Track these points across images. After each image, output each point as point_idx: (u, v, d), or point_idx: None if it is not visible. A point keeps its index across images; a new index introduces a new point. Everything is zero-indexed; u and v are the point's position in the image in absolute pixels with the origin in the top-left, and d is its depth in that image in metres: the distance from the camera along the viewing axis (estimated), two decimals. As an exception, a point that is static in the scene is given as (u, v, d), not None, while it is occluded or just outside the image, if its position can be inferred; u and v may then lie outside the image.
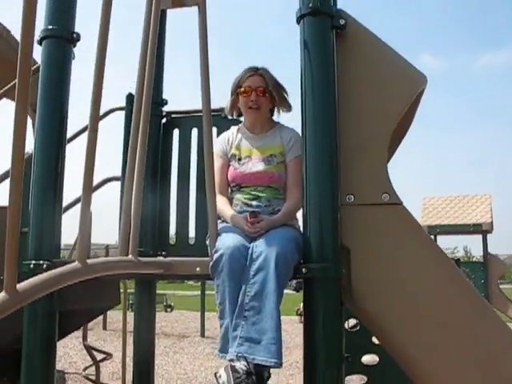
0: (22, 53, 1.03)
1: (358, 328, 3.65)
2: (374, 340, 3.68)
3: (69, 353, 9.09)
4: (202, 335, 14.04)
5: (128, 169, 1.83)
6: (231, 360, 2.01)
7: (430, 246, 2.23)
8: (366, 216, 2.13)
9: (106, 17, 1.46)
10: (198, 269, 2.11)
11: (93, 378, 5.17)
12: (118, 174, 3.32)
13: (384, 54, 2.20)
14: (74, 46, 2.42)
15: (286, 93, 2.66)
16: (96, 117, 1.42)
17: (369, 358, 3.71)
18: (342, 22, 2.16)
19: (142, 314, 3.30)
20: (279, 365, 1.98)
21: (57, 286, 1.38)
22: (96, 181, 3.64)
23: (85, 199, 1.42)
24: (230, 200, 2.58)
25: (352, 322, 3.70)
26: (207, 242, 2.37)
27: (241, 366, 1.95)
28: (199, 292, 24.10)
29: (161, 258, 2.27)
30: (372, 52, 2.21)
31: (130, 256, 1.80)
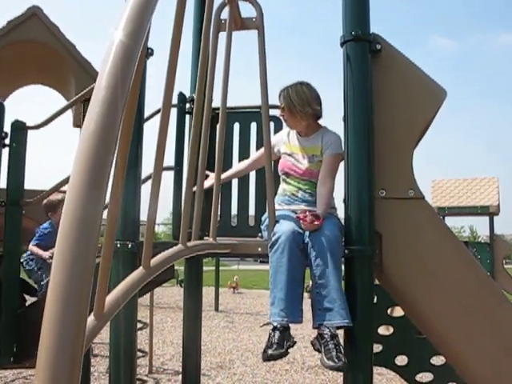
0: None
1: (376, 302, 4.06)
2: (389, 313, 4.10)
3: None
4: (216, 309, 14.37)
5: (190, 164, 2.13)
6: (317, 328, 2.45)
7: (444, 231, 2.64)
8: (395, 207, 2.55)
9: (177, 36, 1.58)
10: (259, 249, 2.56)
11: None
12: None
13: (412, 72, 2.59)
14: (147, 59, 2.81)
15: (302, 105, 2.88)
16: (166, 118, 1.59)
17: (384, 329, 4.13)
18: (378, 46, 2.56)
19: (191, 289, 3.52)
20: (350, 324, 2.40)
21: (170, 262, 1.80)
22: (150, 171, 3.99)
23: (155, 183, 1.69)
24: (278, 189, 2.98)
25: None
26: (262, 227, 2.82)
27: (324, 331, 2.40)
28: (208, 268, 24.33)
29: (230, 240, 2.68)
30: (402, 71, 2.59)
31: (210, 239, 2.27)
